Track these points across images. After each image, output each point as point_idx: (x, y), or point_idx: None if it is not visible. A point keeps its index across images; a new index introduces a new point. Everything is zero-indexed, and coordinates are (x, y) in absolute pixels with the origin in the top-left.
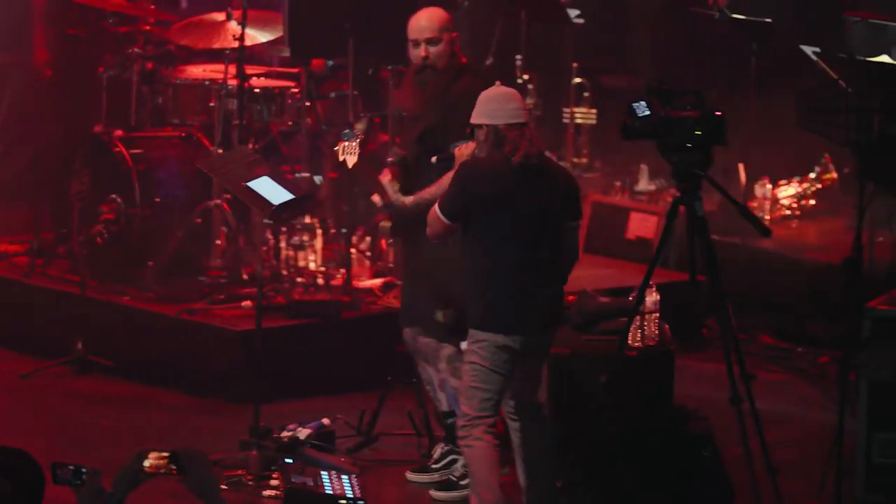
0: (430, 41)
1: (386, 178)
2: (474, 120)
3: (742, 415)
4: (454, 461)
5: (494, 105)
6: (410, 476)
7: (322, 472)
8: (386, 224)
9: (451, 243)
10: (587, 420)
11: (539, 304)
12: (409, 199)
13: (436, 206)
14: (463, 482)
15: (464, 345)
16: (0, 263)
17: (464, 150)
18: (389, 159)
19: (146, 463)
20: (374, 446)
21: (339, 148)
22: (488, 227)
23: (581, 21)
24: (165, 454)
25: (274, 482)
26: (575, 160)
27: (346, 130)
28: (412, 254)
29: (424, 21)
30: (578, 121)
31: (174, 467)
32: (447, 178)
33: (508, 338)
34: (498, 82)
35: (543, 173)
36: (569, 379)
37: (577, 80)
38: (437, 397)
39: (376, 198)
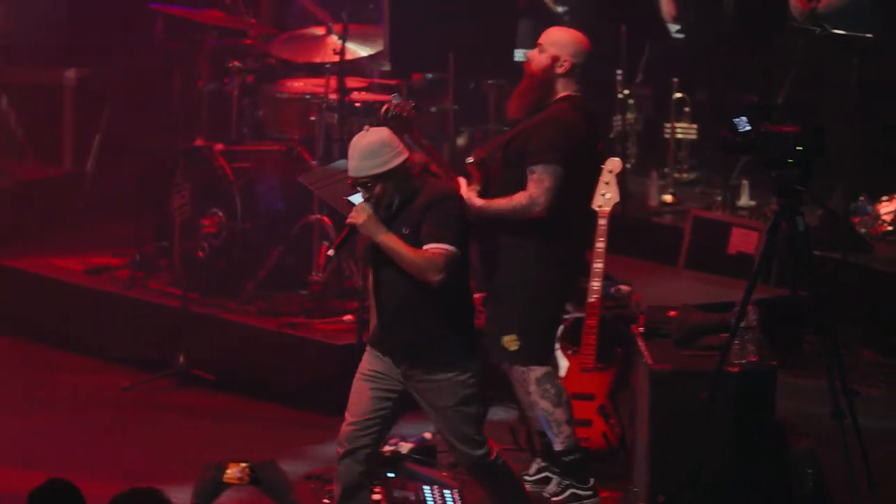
0: (538, 47)
1: (464, 181)
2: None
3: (844, 431)
4: (548, 479)
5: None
6: None
7: (424, 487)
8: None
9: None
10: (687, 436)
11: None
12: (478, 202)
13: (450, 248)
14: (555, 499)
15: (563, 363)
16: (102, 277)
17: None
18: (469, 159)
19: (226, 473)
20: None
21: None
22: (467, 257)
23: (681, 36)
24: (244, 465)
25: (376, 496)
26: (676, 175)
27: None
28: (488, 277)
29: (547, 30)
30: (679, 136)
31: (251, 477)
32: (517, 196)
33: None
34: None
35: None
36: (668, 395)
37: (678, 94)
38: (531, 415)
39: None
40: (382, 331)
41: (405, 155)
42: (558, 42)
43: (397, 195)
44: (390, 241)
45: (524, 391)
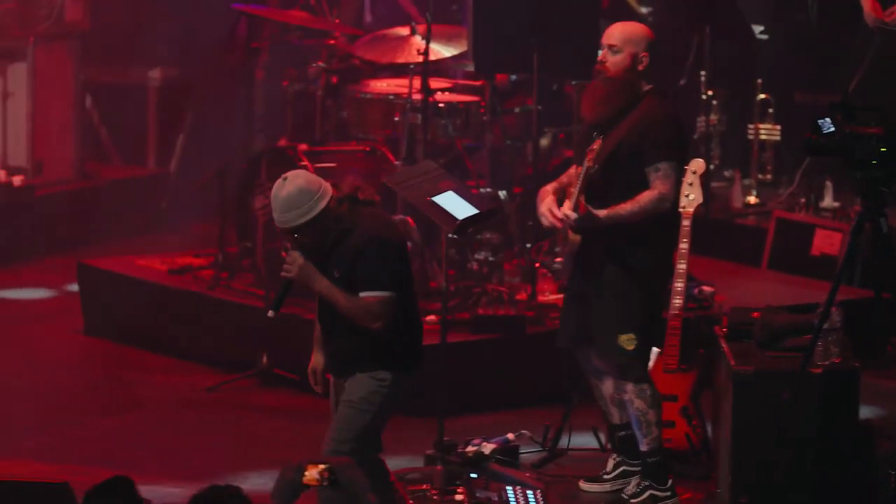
0: (611, 48)
1: (550, 197)
2: None
3: None
4: (626, 472)
5: None
6: (584, 485)
7: (507, 488)
8: (576, 238)
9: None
10: (770, 437)
11: None
12: (602, 213)
13: (386, 294)
14: (634, 500)
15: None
16: (185, 277)
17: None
18: (589, 164)
19: (305, 475)
20: (558, 461)
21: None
22: (408, 283)
23: (766, 37)
24: (322, 466)
25: (459, 497)
26: (760, 177)
27: None
28: (592, 272)
29: (614, 28)
30: (763, 137)
31: (330, 478)
32: (645, 196)
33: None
34: None
35: None
36: (751, 396)
37: (762, 96)
38: (608, 410)
39: (569, 210)
40: (329, 354)
41: (329, 195)
42: (633, 39)
43: (329, 236)
44: (326, 290)
45: (619, 389)
